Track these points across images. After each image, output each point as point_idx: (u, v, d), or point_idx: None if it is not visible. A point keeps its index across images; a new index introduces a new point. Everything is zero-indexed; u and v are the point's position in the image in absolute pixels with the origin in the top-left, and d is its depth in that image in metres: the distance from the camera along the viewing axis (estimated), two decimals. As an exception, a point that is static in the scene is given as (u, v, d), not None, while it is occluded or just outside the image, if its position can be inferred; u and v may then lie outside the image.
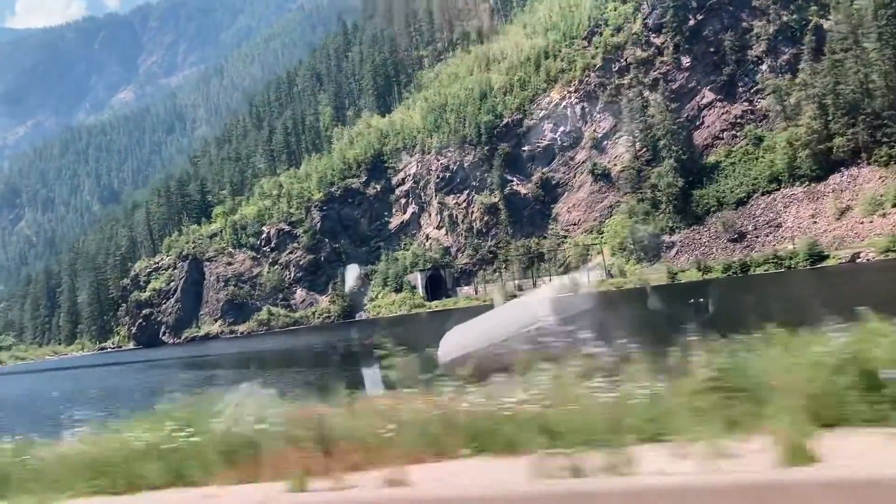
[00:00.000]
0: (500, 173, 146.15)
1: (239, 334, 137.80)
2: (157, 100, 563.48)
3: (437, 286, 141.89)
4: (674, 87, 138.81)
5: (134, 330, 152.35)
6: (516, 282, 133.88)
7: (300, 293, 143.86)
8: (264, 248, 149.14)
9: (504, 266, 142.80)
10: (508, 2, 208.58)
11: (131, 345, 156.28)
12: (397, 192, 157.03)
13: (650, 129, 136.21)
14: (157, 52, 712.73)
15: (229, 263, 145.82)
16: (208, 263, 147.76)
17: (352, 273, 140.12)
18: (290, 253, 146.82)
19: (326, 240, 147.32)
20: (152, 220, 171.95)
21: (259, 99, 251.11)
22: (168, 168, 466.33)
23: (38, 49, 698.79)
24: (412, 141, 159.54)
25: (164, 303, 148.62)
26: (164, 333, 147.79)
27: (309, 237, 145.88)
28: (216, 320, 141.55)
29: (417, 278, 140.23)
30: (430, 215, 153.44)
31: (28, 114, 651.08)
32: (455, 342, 8.89)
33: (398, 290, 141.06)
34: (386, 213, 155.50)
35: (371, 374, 10.98)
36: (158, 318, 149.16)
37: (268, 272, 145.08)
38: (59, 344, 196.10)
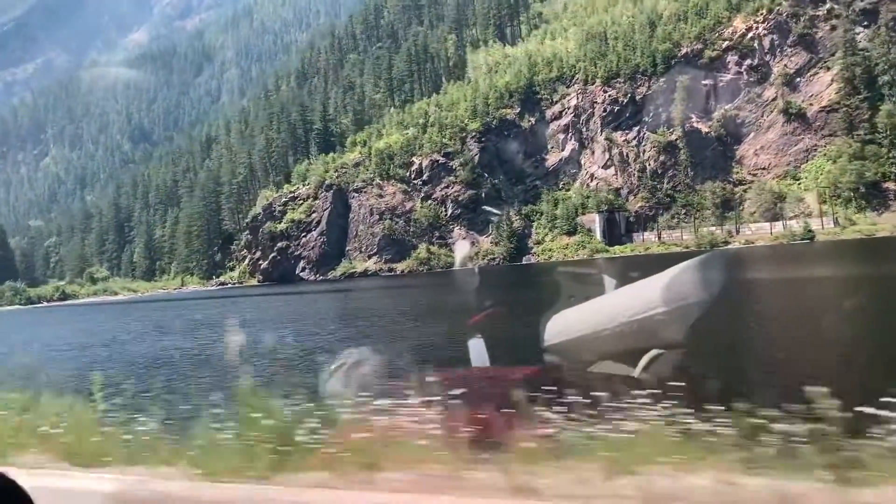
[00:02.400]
0: (682, 108, 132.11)
1: (399, 273, 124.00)
2: (181, 40, 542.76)
3: (611, 230, 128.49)
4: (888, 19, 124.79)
5: (265, 264, 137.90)
6: (710, 229, 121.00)
7: (458, 231, 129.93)
8: (415, 181, 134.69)
9: (685, 211, 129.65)
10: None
11: (254, 281, 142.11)
12: (553, 126, 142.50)
13: (862, 64, 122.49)
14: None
15: (380, 196, 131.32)
16: (356, 195, 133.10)
17: (461, 250, 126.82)
18: (447, 187, 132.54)
19: (486, 174, 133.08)
20: (273, 150, 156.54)
21: (341, 32, 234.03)
22: (198, 109, 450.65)
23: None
24: (570, 70, 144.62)
25: (304, 236, 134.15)
26: (302, 269, 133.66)
27: (468, 171, 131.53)
28: (370, 257, 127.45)
29: (595, 220, 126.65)
30: (593, 153, 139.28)
31: (38, 51, 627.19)
32: (562, 325, 7.31)
33: (571, 232, 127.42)
34: (541, 149, 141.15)
35: (476, 346, 8.19)
36: (296, 253, 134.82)
37: (421, 207, 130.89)
38: (136, 280, 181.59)
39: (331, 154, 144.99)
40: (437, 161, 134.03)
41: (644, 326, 6.39)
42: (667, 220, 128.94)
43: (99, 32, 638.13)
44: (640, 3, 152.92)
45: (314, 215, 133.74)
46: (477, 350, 8.36)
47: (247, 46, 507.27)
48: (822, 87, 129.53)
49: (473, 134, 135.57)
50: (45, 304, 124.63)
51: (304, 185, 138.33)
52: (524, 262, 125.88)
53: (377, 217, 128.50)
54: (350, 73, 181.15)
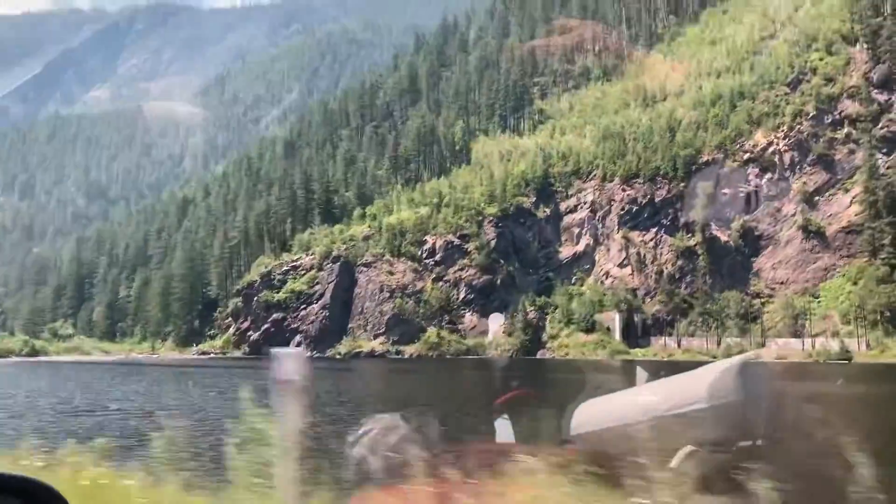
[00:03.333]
0: (703, 214, 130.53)
1: (407, 357, 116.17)
2: (148, 101, 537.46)
3: (627, 331, 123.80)
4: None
5: (255, 335, 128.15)
6: (734, 340, 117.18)
7: (470, 317, 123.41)
8: (427, 261, 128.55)
9: (701, 319, 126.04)
10: (643, 35, 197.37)
11: (238, 353, 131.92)
12: (567, 219, 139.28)
13: (885, 188, 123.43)
14: (139, 55, 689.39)
15: (390, 272, 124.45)
16: (364, 269, 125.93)
17: (495, 322, 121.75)
18: (460, 270, 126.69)
19: (501, 261, 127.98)
20: (271, 216, 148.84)
21: (333, 107, 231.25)
22: (160, 172, 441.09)
23: (13, 31, 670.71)
24: (587, 166, 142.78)
25: (304, 308, 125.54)
26: (298, 344, 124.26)
27: (484, 255, 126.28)
28: (375, 336, 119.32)
29: (616, 319, 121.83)
30: (608, 250, 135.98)
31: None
32: (590, 414, 7.17)
33: (588, 329, 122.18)
34: (555, 241, 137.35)
35: (503, 424, 8.35)
36: (292, 326, 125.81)
37: (432, 288, 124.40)
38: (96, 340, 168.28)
39: (336, 226, 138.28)
40: (452, 242, 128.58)
41: (682, 421, 6.14)
42: (685, 326, 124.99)
43: (59, 85, 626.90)
44: (653, 108, 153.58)
45: (317, 287, 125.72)
46: (503, 429, 8.16)
47: (215, 115, 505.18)
48: (841, 209, 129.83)
49: (490, 218, 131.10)
50: (14, 358, 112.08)
51: (307, 255, 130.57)
52: (538, 357, 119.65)
53: (387, 294, 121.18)
54: (350, 147, 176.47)
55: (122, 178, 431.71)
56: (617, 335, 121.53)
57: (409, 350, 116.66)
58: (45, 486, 2.02)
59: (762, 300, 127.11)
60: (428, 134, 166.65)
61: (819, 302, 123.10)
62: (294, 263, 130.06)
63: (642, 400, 6.69)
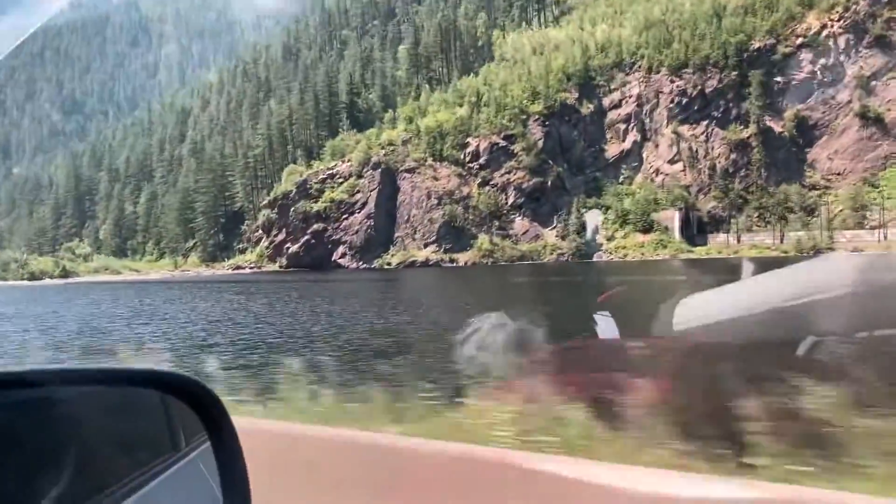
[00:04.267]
0: (760, 105, 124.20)
1: (462, 265, 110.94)
2: (117, 9, 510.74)
3: (686, 230, 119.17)
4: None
5: (294, 248, 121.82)
6: (800, 234, 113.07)
7: (520, 222, 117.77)
8: (471, 165, 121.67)
9: (757, 214, 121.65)
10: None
11: (274, 266, 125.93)
12: (611, 115, 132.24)
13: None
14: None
15: (435, 178, 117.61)
16: (407, 175, 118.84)
17: (593, 219, 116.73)
18: (508, 173, 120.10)
19: (550, 162, 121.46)
20: (294, 122, 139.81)
21: (331, 6, 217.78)
22: (135, 84, 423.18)
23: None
24: (631, 57, 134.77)
25: (346, 218, 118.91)
26: (342, 256, 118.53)
27: (533, 156, 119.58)
28: (425, 245, 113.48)
29: (675, 218, 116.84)
30: (657, 146, 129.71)
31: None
32: (696, 308, 6.86)
33: (646, 229, 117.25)
34: (601, 139, 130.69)
35: (605, 320, 8.27)
36: (334, 237, 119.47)
37: (479, 193, 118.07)
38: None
39: (370, 130, 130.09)
40: (497, 144, 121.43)
41: (801, 312, 5.89)
42: (743, 221, 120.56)
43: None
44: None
45: (358, 195, 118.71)
46: (605, 324, 8.13)
47: (187, 22, 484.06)
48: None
49: (536, 117, 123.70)
50: (48, 280, 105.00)
51: (343, 162, 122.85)
52: (595, 260, 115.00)
53: (435, 201, 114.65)
54: (366, 47, 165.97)
55: (96, 91, 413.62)
56: (676, 234, 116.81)
57: (463, 258, 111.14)
58: (201, 385, 2.04)
59: (819, 192, 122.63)
60: (448, 29, 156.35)
61: (879, 192, 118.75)
62: (330, 171, 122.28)
63: (756, 291, 6.48)
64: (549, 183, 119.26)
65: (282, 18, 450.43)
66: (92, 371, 1.95)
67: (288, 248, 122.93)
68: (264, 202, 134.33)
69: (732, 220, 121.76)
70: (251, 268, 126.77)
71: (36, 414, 1.54)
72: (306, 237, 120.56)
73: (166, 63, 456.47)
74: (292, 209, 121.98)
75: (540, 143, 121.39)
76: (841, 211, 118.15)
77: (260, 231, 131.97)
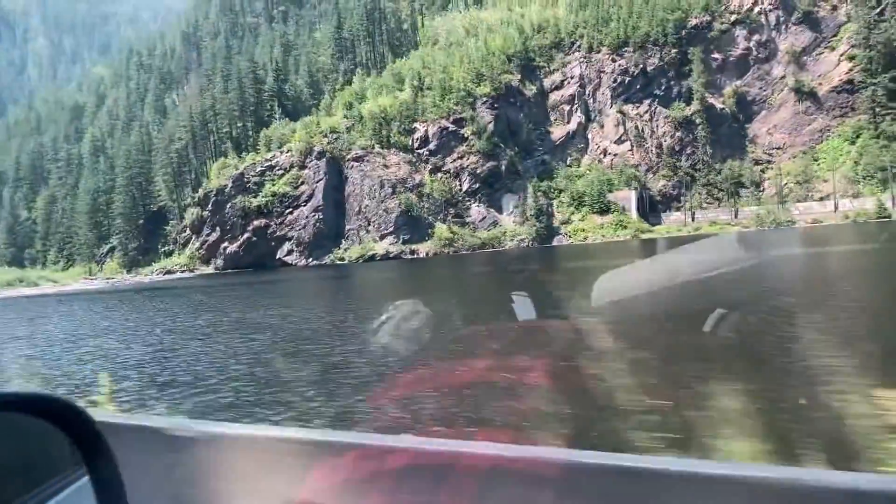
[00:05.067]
0: (704, 82, 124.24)
1: (423, 256, 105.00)
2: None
3: (641, 209, 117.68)
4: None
5: (232, 248, 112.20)
6: (756, 209, 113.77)
7: (477, 209, 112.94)
8: (419, 151, 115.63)
9: (706, 191, 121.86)
10: None
11: (209, 269, 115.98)
12: (554, 96, 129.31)
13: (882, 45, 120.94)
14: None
15: (385, 166, 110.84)
16: (356, 164, 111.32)
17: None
18: (460, 158, 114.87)
19: (502, 145, 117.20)
20: (217, 112, 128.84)
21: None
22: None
23: None
24: (569, 37, 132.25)
25: (290, 212, 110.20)
26: (288, 253, 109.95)
27: (486, 140, 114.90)
28: (382, 237, 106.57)
29: (632, 198, 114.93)
30: (602, 126, 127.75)
31: None
32: (613, 284, 7.10)
33: (603, 211, 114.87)
34: (545, 121, 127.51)
35: (522, 301, 8.38)
36: (278, 233, 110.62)
37: (431, 180, 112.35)
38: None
39: (308, 118, 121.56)
40: (446, 129, 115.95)
41: (708, 284, 6.21)
42: (696, 199, 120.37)
43: None
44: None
45: (303, 187, 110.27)
46: (522, 304, 8.16)
47: (55, 16, 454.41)
48: (830, 67, 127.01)
49: (484, 100, 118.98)
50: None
51: (281, 153, 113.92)
52: (555, 244, 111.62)
53: (389, 190, 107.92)
54: (284, 33, 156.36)
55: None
56: (633, 214, 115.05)
57: (423, 249, 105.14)
58: (70, 405, 1.89)
59: (762, 167, 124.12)
60: (373, 12, 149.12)
61: (819, 164, 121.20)
62: (269, 163, 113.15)
63: (669, 266, 6.70)
64: (503, 167, 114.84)
65: (159, 10, 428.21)
66: None
67: (225, 247, 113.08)
68: (189, 200, 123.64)
69: (683, 198, 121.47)
70: (183, 271, 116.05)
71: None
72: (246, 235, 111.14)
73: (35, 59, 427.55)
74: (228, 205, 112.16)
75: (490, 127, 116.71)
76: (785, 185, 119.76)
77: (188, 231, 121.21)
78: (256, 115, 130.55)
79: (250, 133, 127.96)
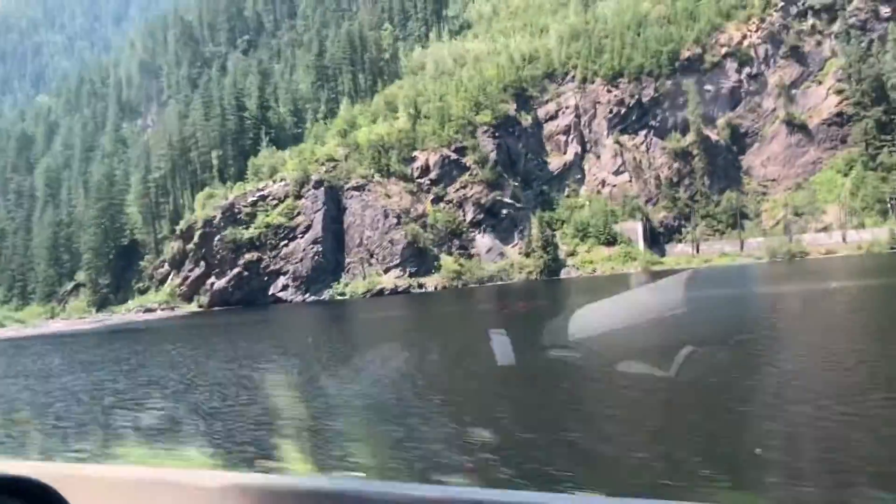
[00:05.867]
0: (700, 113, 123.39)
1: (430, 290, 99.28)
2: None
3: (648, 241, 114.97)
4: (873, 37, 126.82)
5: (220, 283, 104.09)
6: (764, 240, 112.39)
7: (482, 240, 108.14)
8: (420, 180, 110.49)
9: (704, 223, 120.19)
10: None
11: (192, 306, 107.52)
12: (549, 126, 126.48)
13: (869, 78, 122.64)
14: None
15: (387, 196, 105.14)
16: (356, 193, 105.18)
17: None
18: (463, 188, 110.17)
19: (506, 175, 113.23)
20: (197, 141, 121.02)
21: (194, 21, 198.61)
22: None
23: None
24: (562, 68, 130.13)
25: (285, 245, 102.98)
26: (283, 288, 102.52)
27: (489, 170, 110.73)
28: (387, 270, 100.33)
29: (638, 229, 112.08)
30: (598, 157, 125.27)
31: None
32: (590, 319, 7.02)
33: (609, 242, 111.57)
34: (542, 151, 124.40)
35: (501, 342, 7.94)
36: (272, 267, 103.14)
37: (434, 210, 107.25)
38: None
39: (301, 145, 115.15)
40: (448, 157, 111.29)
41: (676, 322, 6.17)
42: (700, 230, 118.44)
43: None
44: (594, 5, 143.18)
45: (300, 218, 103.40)
46: (500, 343, 7.68)
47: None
48: (818, 100, 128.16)
49: (485, 128, 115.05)
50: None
51: (274, 182, 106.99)
52: (563, 277, 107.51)
53: (394, 221, 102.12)
54: (261, 61, 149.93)
55: None
56: (640, 245, 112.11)
57: (431, 282, 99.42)
58: (40, 484, 1.92)
59: (758, 199, 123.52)
60: (357, 41, 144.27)
61: (816, 196, 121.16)
62: (262, 192, 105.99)
63: (642, 302, 6.60)
64: (507, 197, 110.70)
65: (95, 41, 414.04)
66: None
67: (212, 283, 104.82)
68: (167, 232, 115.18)
69: (684, 229, 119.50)
70: (163, 309, 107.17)
71: None
72: (236, 269, 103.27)
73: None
74: (217, 238, 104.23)
75: (493, 156, 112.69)
76: (784, 217, 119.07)
77: (166, 266, 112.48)
78: (238, 143, 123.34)
79: (231, 162, 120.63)
